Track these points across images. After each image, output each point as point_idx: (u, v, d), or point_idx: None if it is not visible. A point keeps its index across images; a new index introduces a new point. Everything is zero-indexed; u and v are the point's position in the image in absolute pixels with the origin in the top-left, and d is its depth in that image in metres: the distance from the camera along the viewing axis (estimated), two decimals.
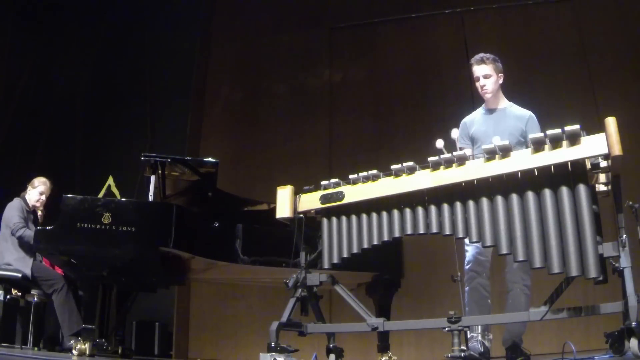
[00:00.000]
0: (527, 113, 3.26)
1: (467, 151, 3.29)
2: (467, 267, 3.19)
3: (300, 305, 2.99)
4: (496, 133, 3.21)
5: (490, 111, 3.34)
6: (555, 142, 2.31)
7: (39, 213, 4.54)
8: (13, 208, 4.23)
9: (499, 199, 2.43)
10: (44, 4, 7.00)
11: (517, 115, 3.26)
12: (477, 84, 3.30)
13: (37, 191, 4.38)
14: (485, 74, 3.25)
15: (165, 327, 6.12)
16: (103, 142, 7.08)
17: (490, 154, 2.48)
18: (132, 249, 3.41)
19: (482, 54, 3.29)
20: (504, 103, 3.34)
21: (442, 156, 2.60)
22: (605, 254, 2.22)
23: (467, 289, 3.17)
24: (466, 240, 2.98)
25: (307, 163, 6.34)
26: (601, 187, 2.36)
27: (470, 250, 3.18)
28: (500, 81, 3.29)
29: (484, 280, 3.14)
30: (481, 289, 3.12)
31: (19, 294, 4.19)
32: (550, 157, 2.32)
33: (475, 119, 3.39)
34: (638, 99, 5.38)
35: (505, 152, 2.44)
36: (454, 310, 2.58)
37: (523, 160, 2.38)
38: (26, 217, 4.24)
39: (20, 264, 4.06)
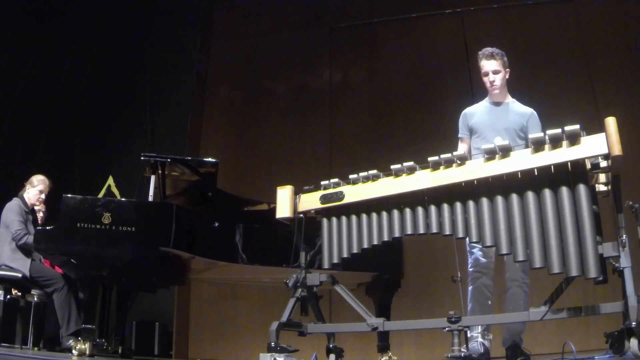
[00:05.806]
0: (529, 110, 3.32)
1: (464, 147, 3.32)
2: (471, 269, 3.20)
3: (300, 305, 2.98)
4: (496, 126, 3.25)
5: (494, 104, 3.37)
6: (555, 142, 2.31)
7: (40, 214, 4.53)
8: (12, 212, 4.16)
9: (499, 199, 2.43)
10: (44, 5, 7.00)
11: (519, 112, 3.30)
12: (486, 79, 3.33)
13: (36, 190, 4.35)
14: (495, 69, 3.30)
15: (165, 327, 6.11)
16: (103, 142, 7.07)
17: (490, 154, 2.48)
18: (132, 249, 3.41)
19: (491, 49, 3.32)
20: (508, 98, 3.39)
21: (442, 156, 2.60)
22: (605, 254, 2.22)
23: (470, 288, 3.18)
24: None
25: (307, 163, 6.33)
26: (601, 187, 2.36)
27: (475, 251, 3.19)
28: (507, 76, 3.34)
29: (488, 281, 3.15)
30: (484, 289, 3.13)
31: (19, 294, 4.19)
32: (550, 157, 2.32)
33: (476, 111, 3.42)
34: (638, 99, 5.38)
35: (505, 152, 2.44)
36: (454, 310, 2.58)
37: (523, 160, 2.38)
38: (25, 218, 4.21)
39: (18, 265, 4.05)
